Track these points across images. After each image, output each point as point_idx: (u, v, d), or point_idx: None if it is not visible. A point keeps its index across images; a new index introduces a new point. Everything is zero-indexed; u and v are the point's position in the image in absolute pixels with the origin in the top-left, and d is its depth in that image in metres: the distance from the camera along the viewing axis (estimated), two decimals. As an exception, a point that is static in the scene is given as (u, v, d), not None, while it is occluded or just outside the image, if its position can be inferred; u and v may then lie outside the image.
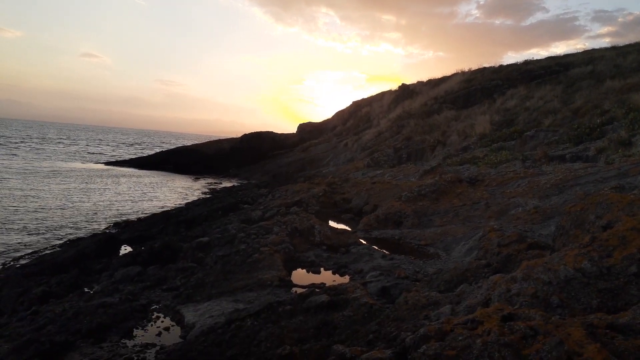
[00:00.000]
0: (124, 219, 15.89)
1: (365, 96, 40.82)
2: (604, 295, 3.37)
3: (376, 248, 8.62)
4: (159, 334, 5.19)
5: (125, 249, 10.72)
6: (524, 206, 9.35)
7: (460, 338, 2.77)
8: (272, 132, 38.12)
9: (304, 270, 7.66)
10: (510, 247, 6.19)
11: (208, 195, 22.06)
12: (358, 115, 35.21)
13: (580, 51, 30.92)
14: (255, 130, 37.81)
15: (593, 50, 30.63)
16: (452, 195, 11.38)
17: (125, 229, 13.07)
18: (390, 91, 36.04)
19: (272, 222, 9.47)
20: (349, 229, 10.41)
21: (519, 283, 3.64)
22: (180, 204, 19.45)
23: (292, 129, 41.73)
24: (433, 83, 31.92)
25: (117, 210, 18.03)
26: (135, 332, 5.29)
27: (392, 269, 7.08)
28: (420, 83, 33.61)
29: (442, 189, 11.64)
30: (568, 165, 12.55)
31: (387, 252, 8.28)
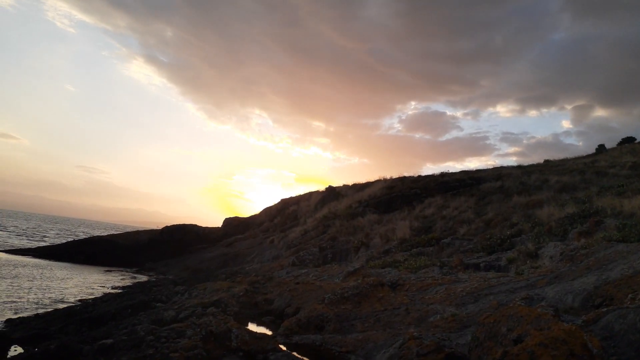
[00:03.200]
0: (19, 315, 14.23)
1: (294, 195, 41.64)
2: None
3: (296, 355, 8.28)
4: None
5: (16, 350, 9.47)
6: (442, 313, 9.55)
7: None
8: (195, 225, 37.11)
9: (218, 379, 7.14)
10: (428, 357, 6.21)
11: (119, 291, 20.50)
12: (285, 212, 35.52)
13: (490, 167, 34.13)
14: (179, 223, 36.68)
15: (502, 167, 33.95)
16: (374, 299, 11.42)
17: (19, 327, 11.65)
18: (317, 191, 37.10)
19: (186, 325, 8.90)
20: (269, 333, 9.99)
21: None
22: (86, 299, 17.84)
23: (219, 222, 40.86)
24: (358, 187, 33.38)
25: (13, 304, 16.15)
26: None
27: (312, 378, 6.79)
28: (346, 186, 35.00)
29: (365, 292, 11.68)
30: (482, 273, 13.18)
31: None
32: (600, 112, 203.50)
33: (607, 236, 12.38)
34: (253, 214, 42.96)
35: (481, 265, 14.23)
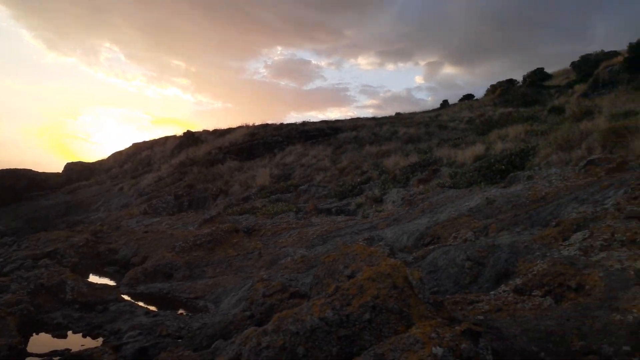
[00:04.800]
0: None
1: (148, 139, 39.06)
2: (343, 342, 3.61)
3: (141, 304, 7.91)
4: None
5: None
6: (292, 255, 9.85)
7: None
8: (30, 170, 32.89)
9: (49, 335, 6.52)
10: (274, 297, 6.35)
11: None
12: (138, 158, 33.24)
13: (348, 118, 35.65)
14: (10, 167, 32.15)
15: (358, 118, 35.67)
16: (227, 246, 11.35)
17: None
18: (174, 136, 35.23)
19: (11, 278, 7.90)
20: (113, 284, 9.40)
21: (269, 335, 3.65)
22: None
23: (60, 168, 36.71)
24: (219, 133, 32.46)
25: None
26: None
27: (155, 326, 6.53)
28: (206, 132, 33.79)
29: (219, 238, 11.53)
30: (333, 217, 13.87)
31: (152, 309, 7.65)
32: (448, 70, 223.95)
33: (441, 183, 13.79)
34: (101, 159, 39.60)
35: (333, 210, 14.95)
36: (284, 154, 25.62)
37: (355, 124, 30.50)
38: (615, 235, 5.57)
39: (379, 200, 14.68)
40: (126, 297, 8.30)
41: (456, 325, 3.22)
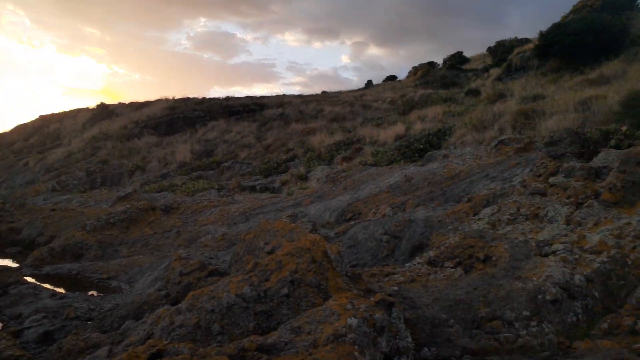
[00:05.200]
0: None
1: (57, 111, 36.16)
2: (260, 317, 3.55)
3: (47, 286, 7.34)
4: None
5: None
6: (213, 233, 9.62)
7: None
8: None
9: None
10: (192, 275, 6.14)
11: None
12: (45, 131, 30.70)
13: (274, 95, 35.20)
14: None
15: (284, 95, 35.34)
16: (144, 224, 10.85)
17: None
18: (86, 109, 32.87)
19: None
20: (14, 265, 8.66)
21: (183, 314, 3.51)
22: None
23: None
24: (136, 106, 30.72)
25: None
26: None
27: (62, 309, 6.09)
28: (121, 104, 31.86)
29: (134, 217, 10.98)
30: (257, 195, 13.70)
31: (60, 290, 7.14)
32: (374, 50, 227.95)
33: (363, 161, 14.06)
34: (2, 131, 36.20)
35: (257, 187, 14.77)
36: (206, 129, 24.84)
37: (281, 100, 30.18)
38: (521, 210, 5.95)
39: (304, 178, 14.70)
40: (30, 279, 7.67)
41: (371, 297, 3.26)
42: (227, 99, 30.79)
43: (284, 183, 14.72)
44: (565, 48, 18.44)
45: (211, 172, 18.07)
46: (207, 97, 31.73)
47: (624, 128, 7.70)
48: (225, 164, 18.43)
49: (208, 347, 2.90)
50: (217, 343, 3.23)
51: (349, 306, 3.04)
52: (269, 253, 4.67)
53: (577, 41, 17.90)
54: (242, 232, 9.57)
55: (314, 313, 3.16)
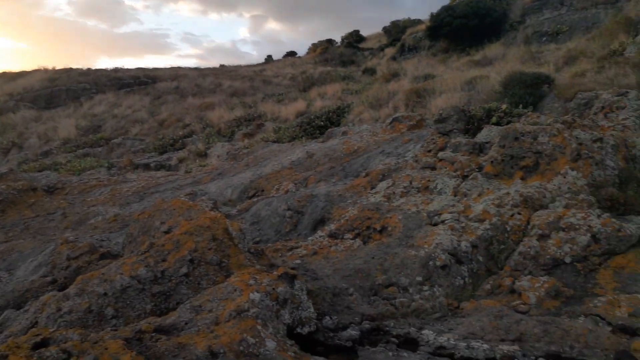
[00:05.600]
0: None
1: None
2: (157, 298, 3.40)
3: None
4: None
5: None
6: (104, 214, 9.00)
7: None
8: None
9: None
10: (81, 259, 5.71)
11: None
12: None
13: (168, 67, 33.37)
14: None
15: (179, 68, 33.68)
16: (23, 206, 9.83)
17: None
18: (-54, 78, 28.73)
19: None
20: None
21: (72, 300, 3.25)
22: None
23: None
24: (9, 77, 27.43)
25: None
26: None
27: None
28: (-8, 74, 28.31)
29: (11, 198, 9.91)
30: (152, 173, 13.03)
31: None
32: (273, 25, 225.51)
33: (265, 137, 13.96)
34: None
35: (152, 165, 14.06)
36: (93, 103, 22.98)
37: (176, 73, 28.78)
38: (413, 183, 6.30)
39: (203, 155, 14.27)
40: None
41: (274, 271, 3.27)
42: (116, 70, 28.69)
43: (181, 160, 14.17)
44: (453, 30, 19.70)
45: (99, 149, 16.82)
46: (94, 68, 29.27)
47: (504, 106, 8.43)
48: (115, 140, 17.25)
49: (101, 331, 2.71)
50: (111, 327, 3.04)
51: (251, 281, 3.01)
52: (166, 233, 4.47)
53: (464, 24, 19.20)
54: (136, 212, 9.05)
55: (215, 291, 3.09)
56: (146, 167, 13.92)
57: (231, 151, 13.15)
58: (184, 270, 3.51)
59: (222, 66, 37.62)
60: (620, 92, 7.88)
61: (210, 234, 3.81)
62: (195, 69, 33.02)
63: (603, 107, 7.61)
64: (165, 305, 3.39)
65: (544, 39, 17.84)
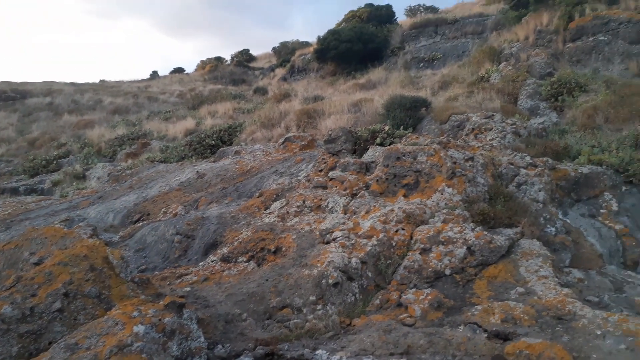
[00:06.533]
0: None
1: None
2: (26, 339, 3.04)
3: None
4: None
5: None
6: (-41, 247, 7.86)
7: None
8: None
9: None
10: None
11: None
12: None
13: (40, 82, 30.51)
14: None
15: (53, 82, 30.95)
16: None
17: None
18: None
19: None
20: None
21: None
22: None
23: None
24: None
25: None
26: None
27: None
28: None
29: None
30: (21, 198, 11.73)
31: None
32: (158, 38, 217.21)
33: (151, 157, 13.28)
34: None
35: (21, 189, 12.69)
36: (-52, 120, 20.22)
37: (50, 88, 26.39)
38: (306, 202, 6.40)
39: (81, 177, 13.18)
40: None
41: (161, 301, 3.09)
42: (-23, 83, 25.55)
43: (56, 183, 12.95)
44: (339, 54, 20.61)
45: (-45, 172, 14.76)
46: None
47: (387, 128, 8.95)
48: (-25, 162, 15.28)
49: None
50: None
51: (135, 313, 2.81)
52: (37, 264, 4.03)
53: (349, 48, 20.19)
54: (1, 242, 8.05)
55: (94, 326, 2.83)
56: (14, 191, 12.52)
57: (113, 172, 12.32)
58: (57, 305, 3.18)
59: (102, 81, 35.32)
60: (487, 115, 8.81)
61: (88, 263, 3.51)
62: (72, 83, 30.57)
63: (473, 129, 8.43)
64: (35, 346, 3.04)
65: (421, 64, 19.43)
